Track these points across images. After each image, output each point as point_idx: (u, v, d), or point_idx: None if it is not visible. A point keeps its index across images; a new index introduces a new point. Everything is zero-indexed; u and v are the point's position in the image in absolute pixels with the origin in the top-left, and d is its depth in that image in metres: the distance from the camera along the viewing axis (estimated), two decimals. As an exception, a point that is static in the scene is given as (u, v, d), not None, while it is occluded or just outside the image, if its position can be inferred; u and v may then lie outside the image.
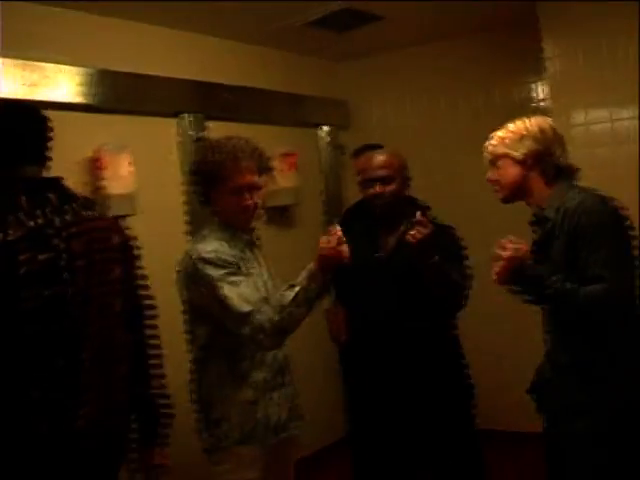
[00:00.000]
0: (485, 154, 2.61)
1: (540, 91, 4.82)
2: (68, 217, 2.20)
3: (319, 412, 4.69)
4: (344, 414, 3.62)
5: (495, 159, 2.56)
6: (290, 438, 2.82)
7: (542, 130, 2.49)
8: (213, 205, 2.74)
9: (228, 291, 2.52)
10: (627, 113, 4.12)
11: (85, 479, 2.28)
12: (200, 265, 2.57)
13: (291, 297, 2.50)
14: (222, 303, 2.53)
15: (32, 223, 2.11)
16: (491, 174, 2.58)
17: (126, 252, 2.41)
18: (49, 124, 2.37)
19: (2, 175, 2.23)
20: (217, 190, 2.67)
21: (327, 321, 3.80)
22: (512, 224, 3.13)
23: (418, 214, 2.91)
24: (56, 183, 2.29)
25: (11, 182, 2.21)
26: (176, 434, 2.88)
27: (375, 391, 3.24)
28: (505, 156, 2.52)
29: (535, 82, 4.88)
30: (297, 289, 2.51)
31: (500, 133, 2.57)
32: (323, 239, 2.54)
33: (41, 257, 2.10)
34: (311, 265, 2.54)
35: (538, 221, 2.50)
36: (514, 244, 2.36)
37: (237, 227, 2.73)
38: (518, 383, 3.77)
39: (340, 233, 2.52)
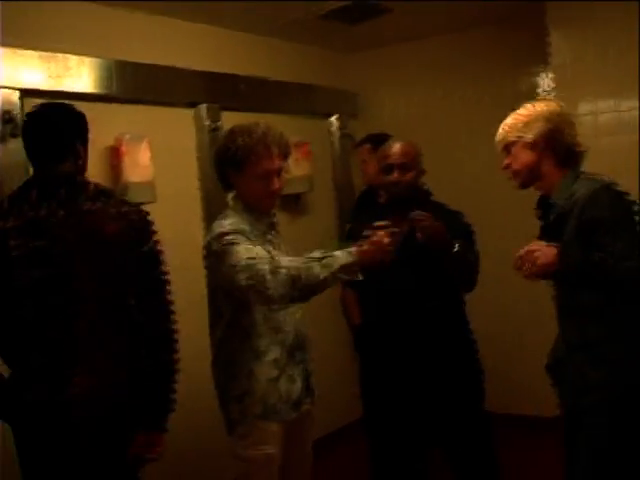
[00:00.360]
0: (497, 142, 2.66)
1: (548, 81, 4.88)
2: (69, 209, 2.51)
3: (337, 393, 4.84)
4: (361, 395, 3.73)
5: (507, 146, 2.61)
6: (306, 413, 2.91)
7: (550, 111, 2.56)
8: (237, 189, 2.81)
9: (238, 248, 2.55)
10: (633, 103, 4.22)
11: (77, 447, 2.49)
12: (218, 238, 2.63)
13: (317, 256, 2.52)
14: (230, 262, 2.53)
15: (32, 214, 2.47)
16: (507, 160, 2.64)
17: (127, 238, 2.57)
18: (79, 123, 2.68)
19: (36, 172, 2.62)
20: (244, 174, 2.73)
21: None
22: (516, 212, 3.23)
23: (415, 212, 3.01)
24: (70, 178, 2.58)
25: (32, 178, 2.61)
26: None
27: (388, 372, 3.33)
28: (517, 141, 2.58)
29: (542, 73, 4.97)
30: (328, 254, 2.53)
31: (509, 120, 2.63)
32: (377, 235, 2.57)
33: (33, 244, 2.45)
34: (353, 249, 2.55)
35: (546, 206, 2.58)
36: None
37: (260, 211, 2.80)
38: (528, 368, 3.90)
39: (394, 231, 2.57)
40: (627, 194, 2.49)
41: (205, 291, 2.84)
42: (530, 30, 4.64)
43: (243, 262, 2.51)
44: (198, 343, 3.06)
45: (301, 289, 2.50)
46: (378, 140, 4.38)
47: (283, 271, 2.47)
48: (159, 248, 2.67)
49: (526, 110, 2.60)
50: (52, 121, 2.62)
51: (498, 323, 4.94)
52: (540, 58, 4.67)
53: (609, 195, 2.42)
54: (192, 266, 3.02)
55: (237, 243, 2.58)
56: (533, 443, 4.43)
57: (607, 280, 2.37)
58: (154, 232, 2.67)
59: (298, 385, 2.84)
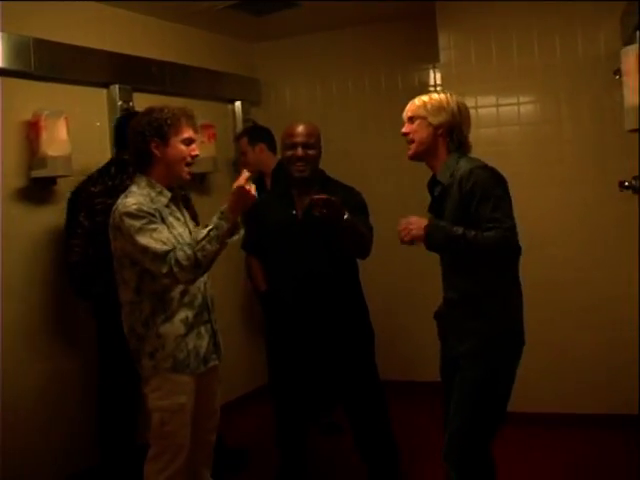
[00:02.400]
0: (406, 110, 2.98)
1: (437, 77, 5.34)
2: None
3: (243, 360, 5.19)
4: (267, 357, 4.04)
5: (414, 117, 2.93)
6: (213, 368, 3.19)
7: (459, 107, 2.92)
8: (154, 160, 3.03)
9: (148, 238, 2.86)
10: (509, 100, 4.73)
11: None
12: (123, 217, 2.90)
13: (204, 234, 2.86)
14: (142, 249, 2.87)
15: (110, 183, 3.75)
16: (406, 128, 2.96)
17: None
18: None
19: (115, 155, 4.02)
20: (169, 143, 3.00)
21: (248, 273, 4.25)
22: (399, 192, 3.57)
23: (317, 197, 3.28)
24: None
25: (112, 159, 3.97)
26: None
27: (290, 335, 3.64)
28: (424, 118, 2.90)
29: (432, 69, 5.42)
30: (209, 227, 2.88)
31: (425, 97, 2.94)
32: (236, 185, 2.91)
33: (109, 201, 3.32)
34: (223, 206, 2.91)
35: (434, 184, 2.96)
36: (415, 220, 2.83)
37: (175, 180, 3.08)
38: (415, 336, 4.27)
39: (248, 175, 2.91)
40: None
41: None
42: (424, 30, 5.03)
43: (153, 251, 2.85)
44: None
45: (203, 268, 2.92)
46: (254, 133, 4.86)
47: (185, 263, 2.83)
48: None
49: (441, 96, 2.94)
50: (122, 125, 3.80)
51: (389, 294, 5.37)
52: (431, 56, 5.07)
53: (485, 172, 2.82)
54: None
55: (144, 229, 2.87)
56: (423, 405, 4.74)
57: (471, 249, 2.75)
58: None
59: (206, 341, 3.12)
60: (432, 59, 5.17)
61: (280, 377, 3.81)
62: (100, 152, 4.41)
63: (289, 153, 3.56)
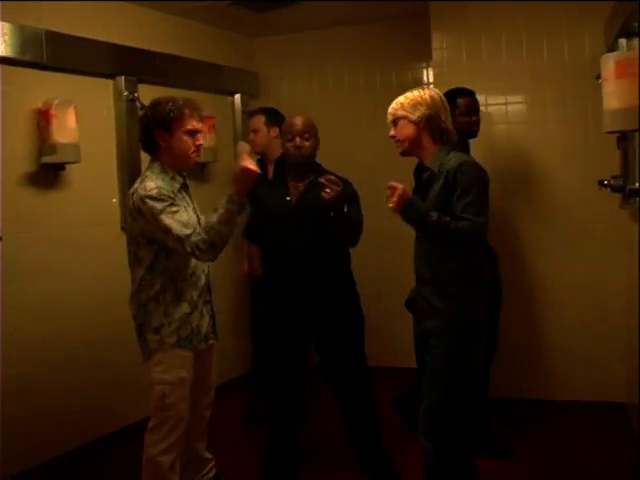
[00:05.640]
0: (388, 114, 3.19)
1: (430, 75, 5.53)
2: None
3: (229, 346, 5.28)
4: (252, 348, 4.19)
5: (396, 119, 3.16)
6: (211, 347, 3.42)
7: (433, 98, 3.12)
8: (163, 150, 3.24)
9: (170, 219, 3.07)
10: (498, 100, 4.92)
11: None
12: (145, 200, 3.11)
13: (216, 218, 3.08)
14: (165, 230, 3.08)
15: None
16: (392, 132, 3.18)
17: None
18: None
19: None
20: (173, 134, 3.21)
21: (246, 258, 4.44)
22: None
23: (327, 176, 3.47)
24: None
25: None
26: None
27: (283, 320, 3.80)
28: (404, 117, 3.12)
29: (425, 68, 5.62)
30: (220, 211, 3.08)
31: (400, 99, 3.17)
32: (237, 169, 3.11)
33: None
34: (230, 191, 3.12)
35: (421, 170, 3.18)
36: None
37: (182, 167, 3.29)
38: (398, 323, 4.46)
39: (246, 147, 3.16)
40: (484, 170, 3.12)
41: (119, 233, 3.31)
42: (418, 30, 5.21)
43: (176, 233, 3.06)
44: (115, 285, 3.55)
45: (219, 248, 3.12)
46: (273, 115, 4.81)
47: (204, 247, 3.05)
48: None
49: (414, 94, 3.15)
50: None
51: (377, 281, 5.56)
52: (425, 55, 5.27)
53: (473, 168, 3.04)
54: (106, 213, 3.72)
55: (166, 211, 3.08)
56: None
57: (439, 234, 2.98)
58: None
59: (206, 321, 3.35)
60: (425, 58, 5.37)
61: (270, 359, 3.95)
62: (106, 140, 4.62)
63: (289, 144, 3.75)
